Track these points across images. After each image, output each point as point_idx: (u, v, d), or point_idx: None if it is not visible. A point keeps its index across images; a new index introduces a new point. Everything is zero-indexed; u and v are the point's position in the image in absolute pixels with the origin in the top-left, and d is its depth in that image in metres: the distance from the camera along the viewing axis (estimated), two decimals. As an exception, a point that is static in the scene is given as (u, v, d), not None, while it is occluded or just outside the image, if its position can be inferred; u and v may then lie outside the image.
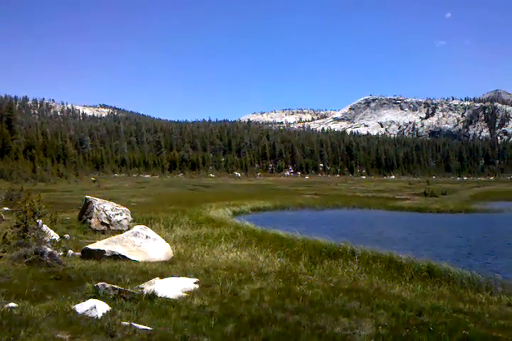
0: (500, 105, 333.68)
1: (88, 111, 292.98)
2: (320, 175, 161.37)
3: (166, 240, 14.33)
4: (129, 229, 14.62)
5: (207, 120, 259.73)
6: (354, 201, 42.26)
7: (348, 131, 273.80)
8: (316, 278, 10.81)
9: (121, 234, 13.35)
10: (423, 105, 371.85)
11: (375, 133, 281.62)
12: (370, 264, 13.08)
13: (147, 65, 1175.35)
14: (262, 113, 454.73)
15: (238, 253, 13.66)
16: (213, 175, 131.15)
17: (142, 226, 14.05)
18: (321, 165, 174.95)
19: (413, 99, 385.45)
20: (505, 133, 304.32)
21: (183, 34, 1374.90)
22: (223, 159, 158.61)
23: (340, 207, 38.92)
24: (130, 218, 19.48)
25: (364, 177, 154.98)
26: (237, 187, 70.88)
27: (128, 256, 11.87)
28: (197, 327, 6.48)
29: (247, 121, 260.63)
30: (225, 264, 11.75)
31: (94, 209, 18.49)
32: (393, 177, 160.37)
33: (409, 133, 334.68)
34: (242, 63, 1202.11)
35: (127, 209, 19.84)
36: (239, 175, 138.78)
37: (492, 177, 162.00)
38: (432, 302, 8.86)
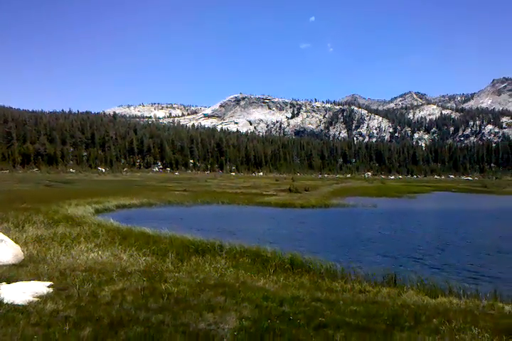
0: (356, 109, 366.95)
1: None
2: (190, 171, 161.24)
3: (16, 241, 12.98)
4: (-30, 230, 12.87)
5: (67, 111, 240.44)
6: (223, 197, 42.80)
7: (219, 127, 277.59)
8: (183, 274, 10.72)
9: (-40, 236, 11.72)
10: (289, 105, 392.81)
11: (244, 131, 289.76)
12: (237, 259, 13.27)
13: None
14: (129, 106, 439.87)
15: (100, 252, 12.86)
16: (74, 171, 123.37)
17: (-13, 226, 12.50)
18: (191, 161, 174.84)
19: (280, 100, 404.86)
20: (361, 134, 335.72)
21: (42, 15, 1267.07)
22: (85, 153, 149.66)
23: (209, 203, 39.13)
24: (-27, 218, 17.22)
25: (234, 173, 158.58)
26: (101, 184, 67.48)
27: (-32, 260, 10.45)
28: (49, 333, 6.12)
29: (112, 113, 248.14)
30: (84, 265, 11.03)
31: None
32: (261, 173, 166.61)
33: (276, 131, 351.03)
34: (107, 52, 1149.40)
35: (-30, 208, 17.51)
36: (103, 170, 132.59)
37: (349, 175, 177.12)
38: (292, 292, 9.26)
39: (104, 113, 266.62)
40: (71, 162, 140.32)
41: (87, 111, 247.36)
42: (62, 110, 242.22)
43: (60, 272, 10.10)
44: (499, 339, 6.49)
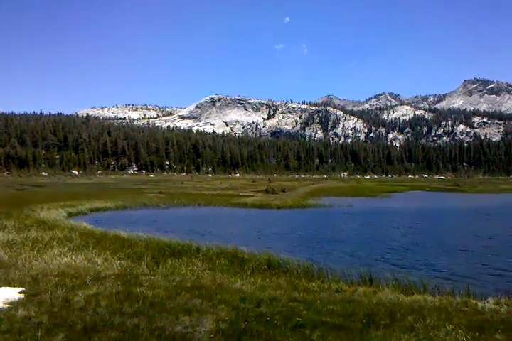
0: (332, 109, 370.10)
1: None
2: (166, 173, 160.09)
3: (-14, 247, 12.60)
4: None
5: (38, 113, 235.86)
6: (199, 199, 42.60)
7: (195, 129, 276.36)
8: (159, 278, 10.58)
9: None
10: (265, 106, 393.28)
11: (220, 132, 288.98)
12: (213, 261, 13.16)
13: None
14: (102, 107, 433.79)
15: (73, 257, 12.60)
16: (46, 174, 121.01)
17: (-46, 232, 12.11)
18: (167, 163, 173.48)
19: (256, 101, 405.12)
20: (336, 135, 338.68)
21: (8, 15, 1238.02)
22: (58, 156, 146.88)
23: (185, 205, 38.91)
24: None
25: (210, 175, 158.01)
26: (74, 187, 66.47)
27: None
28: (20, 340, 5.99)
29: (85, 115, 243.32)
30: (56, 270, 10.77)
31: None
32: (238, 175, 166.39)
33: (252, 132, 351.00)
34: (79, 52, 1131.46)
35: None
36: (76, 173, 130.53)
37: (325, 175, 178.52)
38: (270, 293, 9.24)
39: (77, 114, 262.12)
40: (43, 165, 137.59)
41: (59, 113, 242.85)
42: (34, 112, 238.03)
43: (32, 277, 9.85)
44: (472, 336, 6.60)
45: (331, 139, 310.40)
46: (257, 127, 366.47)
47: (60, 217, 25.16)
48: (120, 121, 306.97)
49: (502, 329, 6.96)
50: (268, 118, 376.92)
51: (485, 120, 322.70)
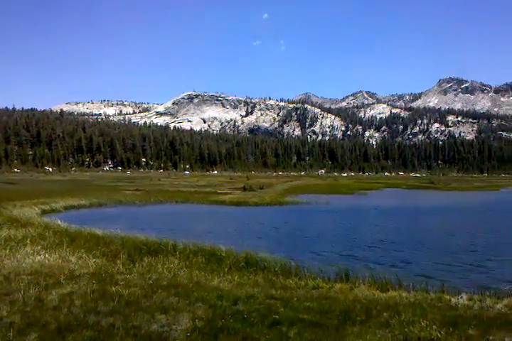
0: (310, 107, 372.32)
1: None
2: (142, 170, 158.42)
3: (-45, 245, 12.23)
4: None
5: (10, 108, 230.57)
6: (177, 196, 42.32)
7: (172, 125, 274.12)
8: (135, 276, 10.45)
9: None
10: (243, 103, 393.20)
11: (198, 129, 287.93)
12: (190, 258, 13.05)
13: None
14: (77, 103, 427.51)
15: (47, 255, 12.33)
16: (19, 171, 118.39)
17: None
18: (144, 160, 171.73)
19: (234, 97, 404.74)
20: (314, 132, 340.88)
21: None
22: (31, 152, 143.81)
23: (162, 203, 38.58)
24: None
25: (188, 172, 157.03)
26: (47, 184, 65.20)
27: None
28: None
29: (59, 111, 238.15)
30: (29, 269, 10.53)
31: None
32: (216, 172, 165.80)
33: (230, 129, 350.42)
34: (53, 46, 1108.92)
35: None
36: (50, 170, 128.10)
37: (303, 173, 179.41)
38: (247, 291, 9.23)
39: (51, 110, 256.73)
40: (15, 161, 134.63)
41: (32, 108, 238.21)
42: (6, 107, 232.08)
43: (4, 276, 9.65)
44: (446, 331, 6.72)
45: (308, 137, 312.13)
46: (235, 124, 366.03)
47: (33, 215, 24.61)
48: (95, 117, 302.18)
49: (475, 324, 7.10)
50: (246, 116, 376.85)
51: (459, 119, 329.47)
